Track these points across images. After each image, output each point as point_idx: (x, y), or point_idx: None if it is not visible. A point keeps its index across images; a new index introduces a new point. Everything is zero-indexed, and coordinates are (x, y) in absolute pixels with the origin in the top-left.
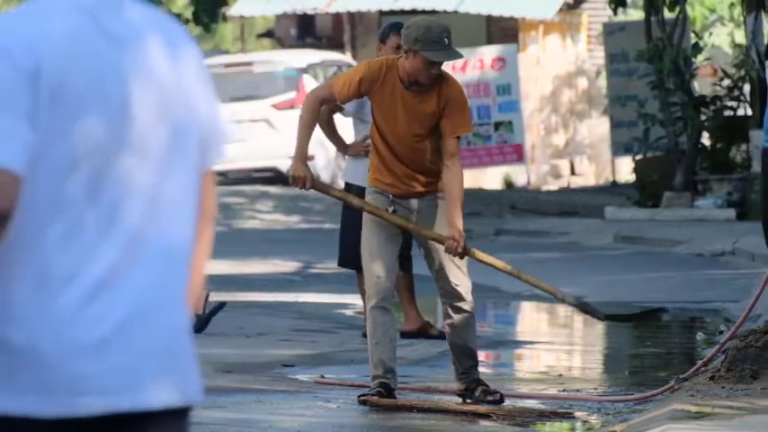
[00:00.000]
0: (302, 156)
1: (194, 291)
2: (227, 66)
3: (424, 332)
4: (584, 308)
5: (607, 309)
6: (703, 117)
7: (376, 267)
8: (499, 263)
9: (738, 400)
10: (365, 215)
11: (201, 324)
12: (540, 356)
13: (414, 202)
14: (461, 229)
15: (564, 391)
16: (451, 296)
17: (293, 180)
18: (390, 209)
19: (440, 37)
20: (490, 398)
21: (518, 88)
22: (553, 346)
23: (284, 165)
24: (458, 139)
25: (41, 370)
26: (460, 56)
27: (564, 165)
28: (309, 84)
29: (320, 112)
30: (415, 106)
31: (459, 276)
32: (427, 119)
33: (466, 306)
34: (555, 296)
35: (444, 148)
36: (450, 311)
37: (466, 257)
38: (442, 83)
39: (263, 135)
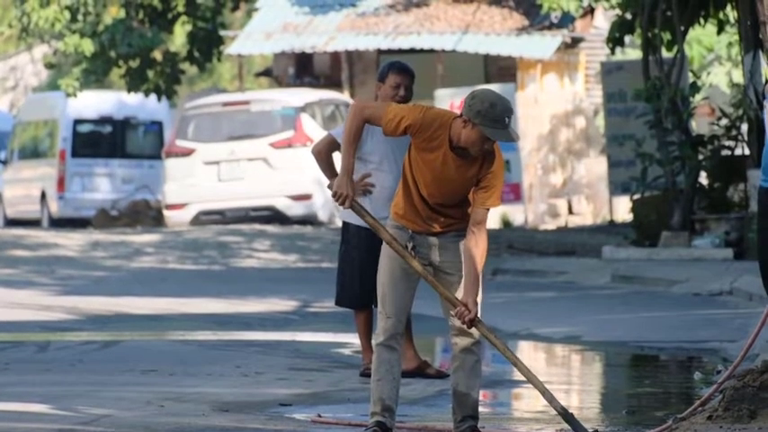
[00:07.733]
0: (349, 171)
1: None
2: (225, 104)
3: (421, 371)
4: (567, 418)
5: (604, 348)
6: (701, 156)
7: (387, 306)
8: (499, 343)
9: None
10: (384, 250)
11: None
12: (538, 396)
13: (433, 239)
14: (476, 300)
15: (562, 430)
16: (461, 331)
17: (334, 195)
18: (410, 245)
19: (502, 116)
20: None
21: (516, 127)
22: (551, 386)
23: (281, 204)
24: (487, 210)
25: None
26: (518, 138)
27: (561, 204)
28: (307, 123)
29: (360, 129)
30: (456, 168)
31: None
32: (463, 182)
33: (475, 348)
34: (542, 396)
35: (473, 216)
36: (457, 351)
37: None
38: (488, 156)
39: (261, 174)
